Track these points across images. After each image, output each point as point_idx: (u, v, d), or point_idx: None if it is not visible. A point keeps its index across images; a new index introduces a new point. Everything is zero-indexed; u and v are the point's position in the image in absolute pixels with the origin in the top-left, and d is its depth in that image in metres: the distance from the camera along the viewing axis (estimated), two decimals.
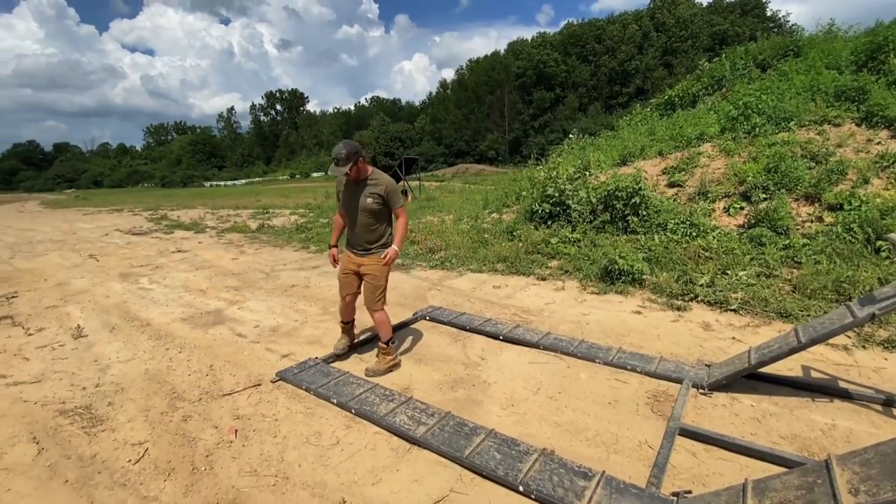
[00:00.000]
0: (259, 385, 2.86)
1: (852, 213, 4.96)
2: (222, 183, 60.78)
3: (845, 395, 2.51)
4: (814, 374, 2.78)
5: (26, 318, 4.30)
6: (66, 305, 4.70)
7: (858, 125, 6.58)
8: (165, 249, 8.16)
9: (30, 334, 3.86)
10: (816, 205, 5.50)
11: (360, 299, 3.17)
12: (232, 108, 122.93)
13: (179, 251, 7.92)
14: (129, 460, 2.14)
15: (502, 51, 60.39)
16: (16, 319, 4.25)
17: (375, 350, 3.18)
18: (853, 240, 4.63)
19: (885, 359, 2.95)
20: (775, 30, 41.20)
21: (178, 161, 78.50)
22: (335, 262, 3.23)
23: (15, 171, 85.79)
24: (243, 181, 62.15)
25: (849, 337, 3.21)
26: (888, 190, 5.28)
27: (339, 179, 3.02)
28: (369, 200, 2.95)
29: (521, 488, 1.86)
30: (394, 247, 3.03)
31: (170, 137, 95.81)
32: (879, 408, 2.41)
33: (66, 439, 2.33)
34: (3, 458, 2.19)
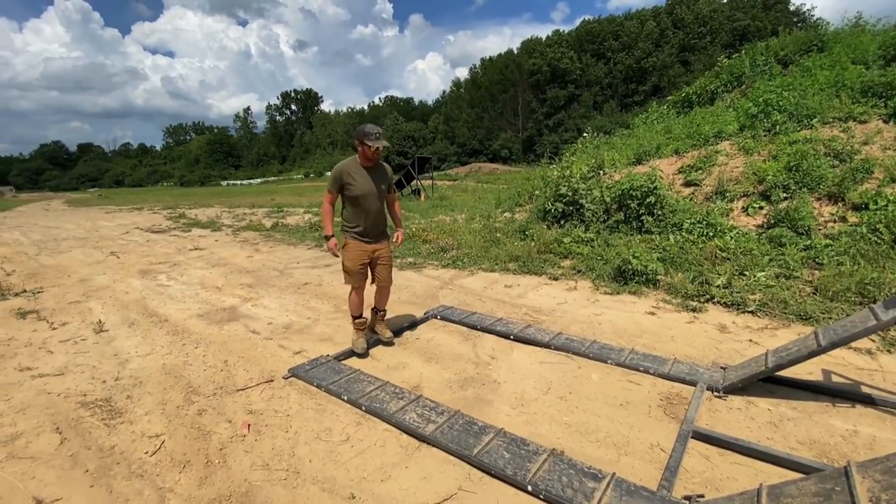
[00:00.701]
0: (272, 381, 2.90)
1: (878, 212, 4.80)
2: (238, 182, 61.91)
3: (868, 401, 2.43)
4: (835, 379, 2.70)
5: (51, 312, 4.45)
6: (88, 301, 4.85)
7: (886, 122, 6.34)
8: (183, 247, 8.34)
9: (54, 328, 3.99)
10: (840, 204, 5.32)
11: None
12: (248, 108, 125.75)
13: (196, 249, 8.09)
14: (146, 452, 2.20)
15: (516, 49, 60.14)
16: (41, 314, 4.39)
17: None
18: (879, 240, 4.47)
19: None
20: (799, 24, 40.00)
21: (196, 161, 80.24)
22: (336, 252, 3.17)
23: (42, 170, 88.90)
24: (259, 180, 63.13)
25: (873, 340, 3.11)
26: None
27: (348, 167, 3.04)
28: (383, 186, 3.14)
29: (529, 488, 1.85)
30: (400, 230, 3.33)
31: (188, 137, 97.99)
32: None
33: (87, 430, 2.40)
34: (29, 447, 2.27)
